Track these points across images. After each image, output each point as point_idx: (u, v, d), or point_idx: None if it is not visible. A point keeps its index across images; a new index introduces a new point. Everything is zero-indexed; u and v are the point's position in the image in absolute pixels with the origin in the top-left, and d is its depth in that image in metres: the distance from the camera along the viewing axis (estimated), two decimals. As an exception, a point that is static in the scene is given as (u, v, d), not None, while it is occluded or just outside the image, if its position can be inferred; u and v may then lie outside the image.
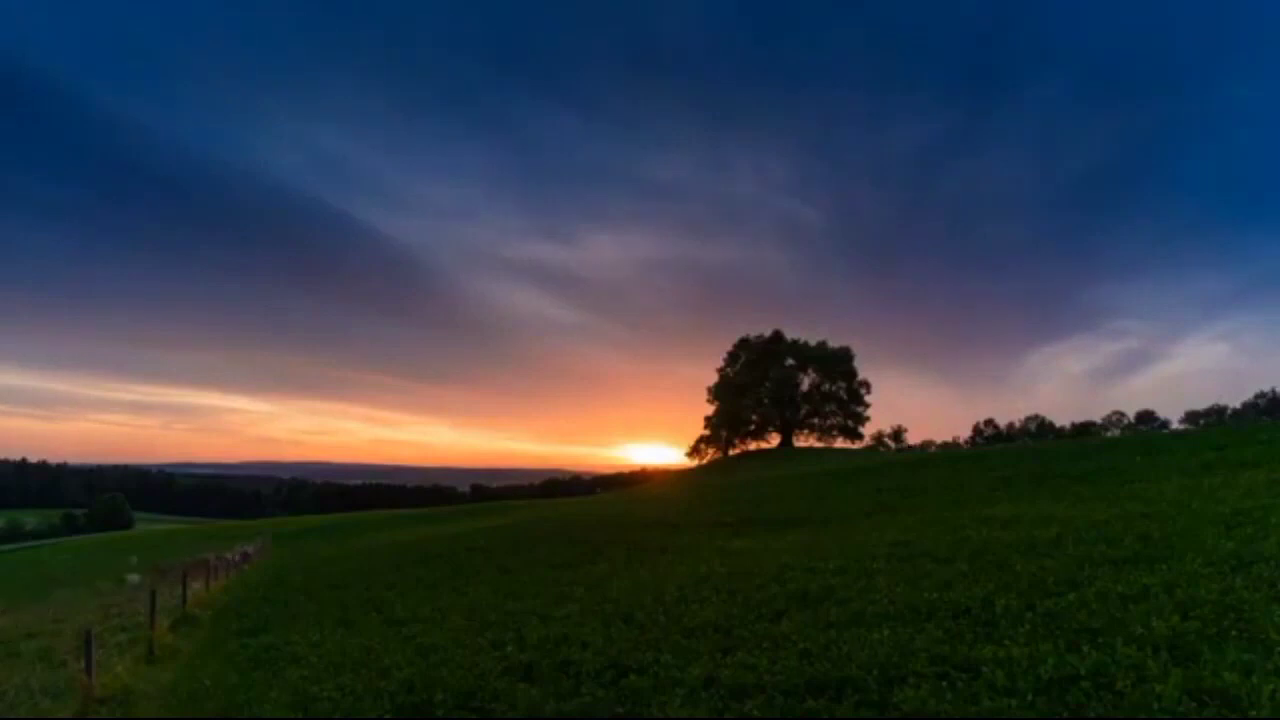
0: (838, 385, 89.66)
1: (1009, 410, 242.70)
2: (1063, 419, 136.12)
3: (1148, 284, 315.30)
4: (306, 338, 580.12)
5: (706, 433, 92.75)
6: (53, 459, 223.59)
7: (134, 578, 23.60)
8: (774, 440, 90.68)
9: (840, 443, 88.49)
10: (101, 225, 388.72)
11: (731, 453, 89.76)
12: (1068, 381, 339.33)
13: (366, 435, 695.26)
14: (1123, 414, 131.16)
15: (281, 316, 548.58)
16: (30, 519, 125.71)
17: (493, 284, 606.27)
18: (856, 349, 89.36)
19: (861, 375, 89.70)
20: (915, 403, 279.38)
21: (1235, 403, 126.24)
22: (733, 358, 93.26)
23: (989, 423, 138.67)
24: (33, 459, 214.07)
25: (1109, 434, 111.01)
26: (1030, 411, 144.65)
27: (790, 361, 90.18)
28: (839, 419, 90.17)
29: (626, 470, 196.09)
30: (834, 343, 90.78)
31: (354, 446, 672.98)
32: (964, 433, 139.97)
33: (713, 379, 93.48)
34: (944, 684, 5.68)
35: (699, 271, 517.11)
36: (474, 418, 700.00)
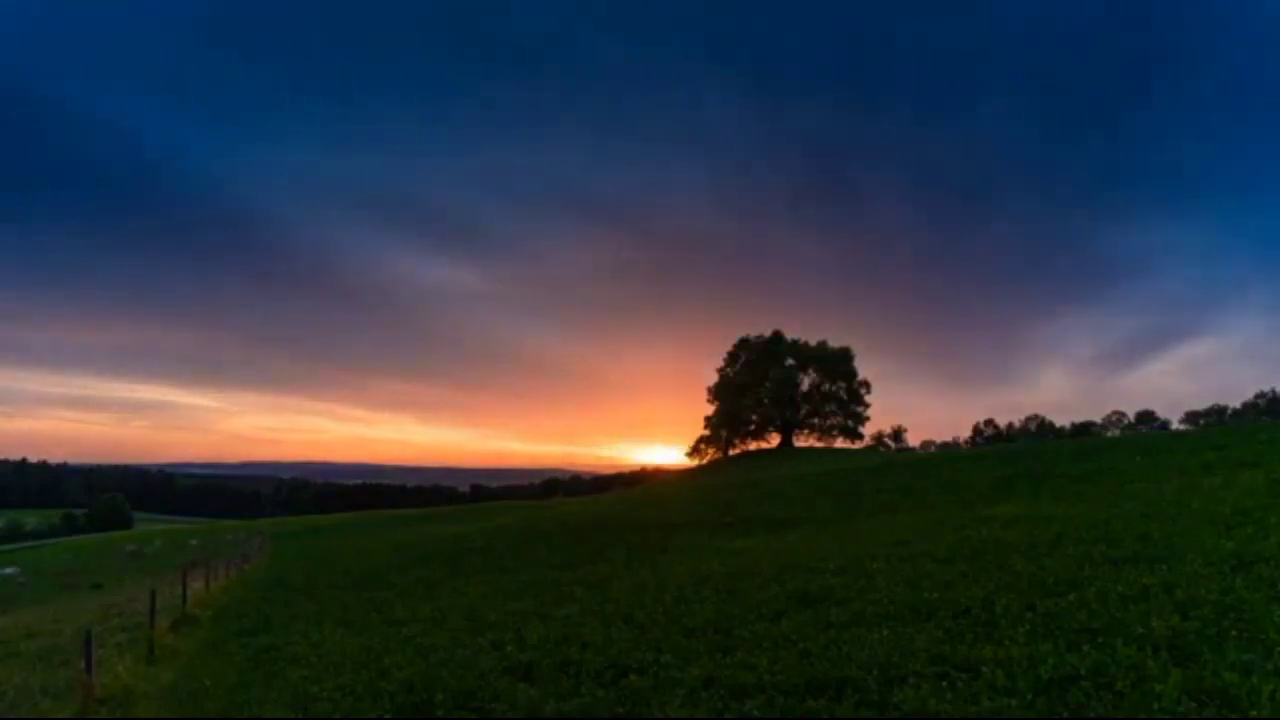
0: (838, 385, 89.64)
1: (1009, 409, 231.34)
2: (1063, 419, 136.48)
3: (1172, 241, 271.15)
4: (218, 323, 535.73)
5: (706, 433, 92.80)
6: (53, 459, 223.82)
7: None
8: (774, 440, 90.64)
9: (840, 443, 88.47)
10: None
11: (731, 453, 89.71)
12: (1076, 367, 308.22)
13: (340, 433, 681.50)
14: (1123, 414, 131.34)
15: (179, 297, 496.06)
16: (30, 519, 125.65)
17: (364, 238, 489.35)
18: (819, 320, 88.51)
19: (861, 375, 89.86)
20: (912, 393, 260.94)
21: (1235, 403, 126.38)
22: (732, 358, 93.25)
23: (989, 423, 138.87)
24: (33, 459, 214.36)
25: (1109, 434, 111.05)
26: (1031, 410, 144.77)
27: (790, 361, 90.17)
28: (839, 419, 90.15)
29: (627, 470, 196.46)
30: (833, 342, 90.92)
31: (329, 445, 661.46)
32: (964, 433, 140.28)
33: (670, 367, 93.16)
34: (944, 684, 5.68)
35: (608, 214, 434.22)
36: (428, 413, 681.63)
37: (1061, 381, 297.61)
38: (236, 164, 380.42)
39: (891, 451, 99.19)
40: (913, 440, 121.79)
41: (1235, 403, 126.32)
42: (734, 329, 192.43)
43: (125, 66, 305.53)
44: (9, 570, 41.65)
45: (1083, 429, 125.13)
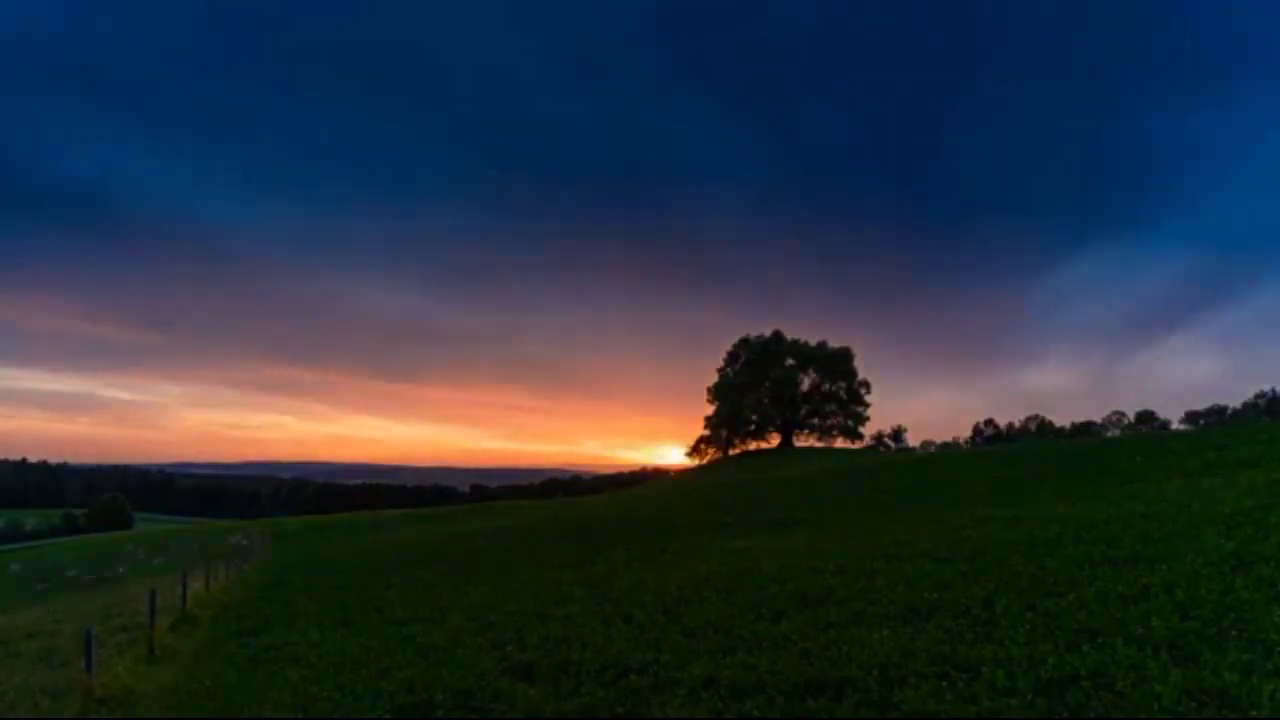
0: (838, 385, 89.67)
1: (1009, 409, 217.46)
2: (1063, 419, 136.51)
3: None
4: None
5: (707, 433, 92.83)
6: (53, 459, 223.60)
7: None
8: (774, 440, 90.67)
9: (840, 443, 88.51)
10: None
11: (732, 453, 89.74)
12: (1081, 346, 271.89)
13: (329, 432, 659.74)
14: (1123, 414, 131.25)
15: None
16: (30, 519, 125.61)
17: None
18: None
19: (861, 375, 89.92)
20: (911, 392, 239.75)
21: (1235, 403, 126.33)
22: (732, 358, 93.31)
23: (989, 422, 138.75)
24: (32, 459, 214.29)
25: (1109, 434, 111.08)
26: (1036, 392, 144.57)
27: (790, 361, 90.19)
28: (839, 419, 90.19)
29: (627, 470, 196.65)
30: (834, 342, 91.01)
31: (331, 445, 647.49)
32: (964, 433, 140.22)
33: (671, 367, 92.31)
34: (944, 684, 5.68)
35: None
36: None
37: (1067, 362, 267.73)
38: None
39: (891, 451, 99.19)
40: (913, 440, 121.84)
41: (1235, 403, 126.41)
42: (734, 327, 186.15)
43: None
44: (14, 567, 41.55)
45: (1083, 429, 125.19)
